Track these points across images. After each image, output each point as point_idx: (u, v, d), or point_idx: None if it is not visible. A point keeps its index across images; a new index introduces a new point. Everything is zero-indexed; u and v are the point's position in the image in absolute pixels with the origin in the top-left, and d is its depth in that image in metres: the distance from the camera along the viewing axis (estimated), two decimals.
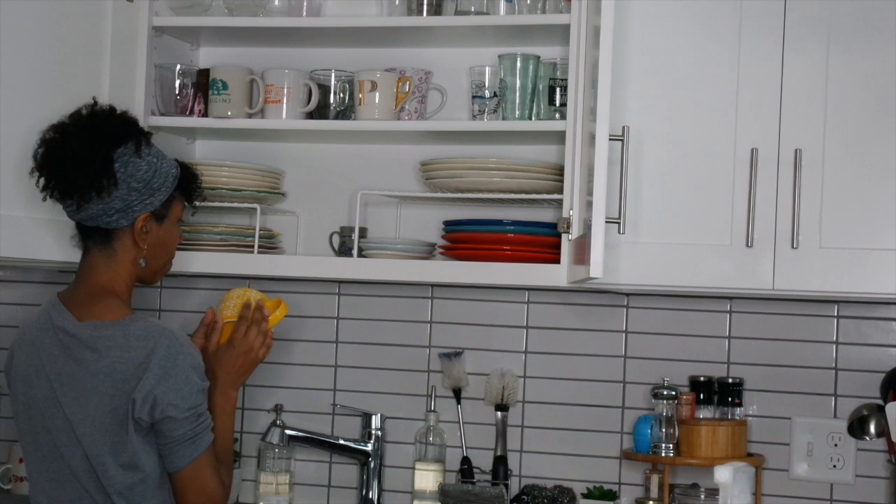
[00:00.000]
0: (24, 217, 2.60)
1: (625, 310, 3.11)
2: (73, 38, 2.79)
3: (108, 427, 2.30)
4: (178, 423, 2.30)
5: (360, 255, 3.03)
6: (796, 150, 2.63)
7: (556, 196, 2.89)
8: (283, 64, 3.13)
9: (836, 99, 2.64)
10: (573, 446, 3.12)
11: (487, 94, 2.99)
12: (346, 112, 3.08)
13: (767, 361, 3.02)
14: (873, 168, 2.63)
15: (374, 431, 3.18)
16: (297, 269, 3.04)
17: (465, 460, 3.14)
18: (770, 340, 3.03)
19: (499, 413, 3.13)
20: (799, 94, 2.66)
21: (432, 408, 3.18)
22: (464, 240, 2.97)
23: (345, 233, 3.12)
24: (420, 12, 2.99)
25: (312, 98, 3.05)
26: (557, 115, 2.93)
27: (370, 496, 3.17)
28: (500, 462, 3.11)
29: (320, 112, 3.08)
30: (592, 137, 2.46)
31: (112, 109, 2.43)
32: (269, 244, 3.14)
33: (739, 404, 2.98)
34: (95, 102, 2.43)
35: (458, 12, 2.99)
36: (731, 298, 3.03)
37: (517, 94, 2.95)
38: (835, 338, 2.99)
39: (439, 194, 3.03)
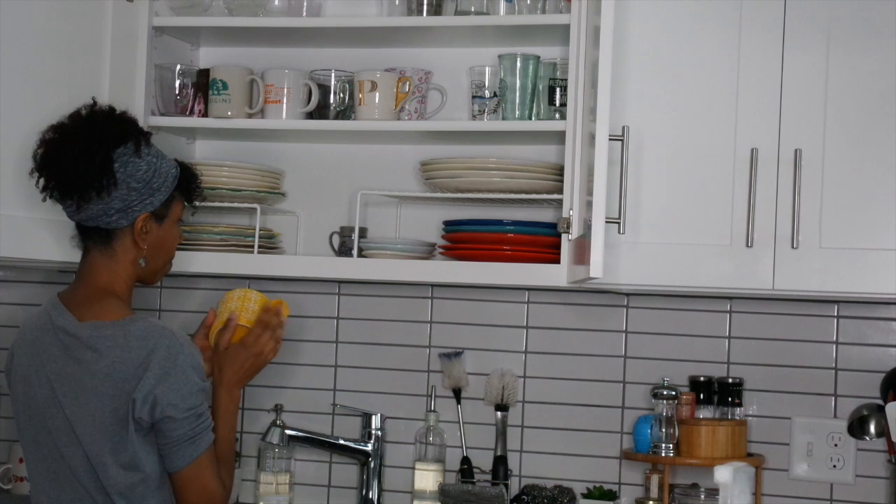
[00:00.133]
0: (24, 217, 2.60)
1: (625, 310, 3.11)
2: (73, 38, 2.79)
3: (109, 427, 2.30)
4: (177, 423, 2.30)
5: (360, 255, 3.03)
6: (796, 150, 2.63)
7: (556, 196, 2.89)
8: (283, 64, 3.13)
9: (836, 99, 2.64)
10: (573, 446, 3.12)
11: (487, 94, 2.99)
12: (346, 112, 3.08)
13: (767, 361, 3.02)
14: (873, 168, 2.63)
15: (374, 431, 3.18)
16: (297, 269, 3.04)
17: (465, 460, 3.14)
18: (770, 340, 3.03)
19: (499, 413, 3.13)
20: (799, 94, 2.66)
21: (432, 408, 3.18)
22: (464, 240, 2.97)
23: (345, 233, 3.12)
24: (420, 12, 2.99)
25: (312, 98, 3.05)
26: (557, 115, 2.93)
27: (370, 496, 3.17)
28: (500, 462, 3.11)
29: (320, 112, 3.08)
30: (592, 137, 2.46)
31: (112, 109, 2.43)
32: (269, 244, 3.14)
33: (739, 404, 2.98)
34: (95, 103, 2.43)
35: (458, 12, 2.99)
36: (731, 298, 3.03)
37: (517, 94, 2.95)
38: (835, 338, 2.99)
39: (439, 194, 3.03)
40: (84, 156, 2.33)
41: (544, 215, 3.06)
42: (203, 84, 3.12)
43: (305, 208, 3.26)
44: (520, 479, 3.14)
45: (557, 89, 2.94)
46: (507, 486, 3.08)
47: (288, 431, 3.14)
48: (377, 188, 3.13)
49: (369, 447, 3.17)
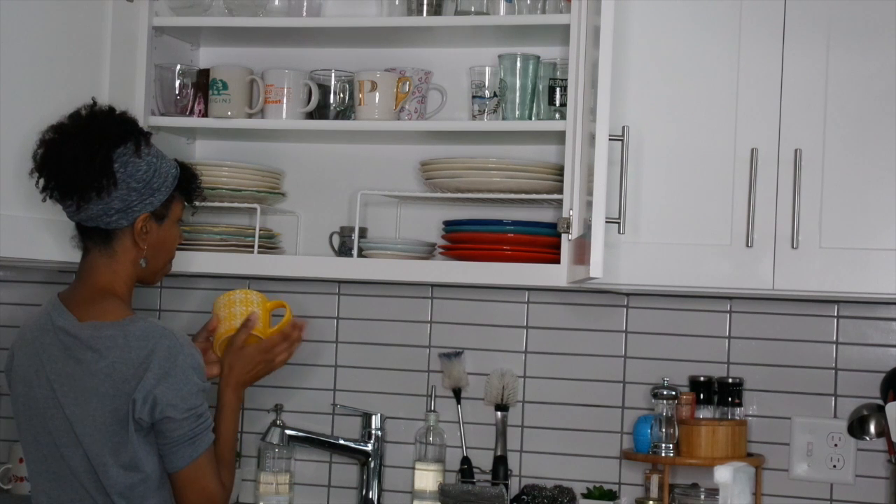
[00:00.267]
0: (24, 217, 2.60)
1: (625, 310, 3.11)
2: (73, 38, 2.79)
3: (109, 427, 2.30)
4: (177, 423, 2.30)
5: (360, 255, 3.03)
6: (796, 150, 2.63)
7: (556, 196, 2.89)
8: (283, 64, 3.13)
9: (836, 99, 2.64)
10: (573, 446, 3.12)
11: (487, 94, 2.99)
12: (346, 112, 3.08)
13: (767, 361, 3.02)
14: (873, 168, 2.63)
15: (374, 431, 3.18)
16: (297, 269, 3.04)
17: (465, 460, 3.14)
18: (770, 340, 3.03)
19: (499, 413, 3.13)
20: (799, 94, 2.66)
21: (432, 408, 3.18)
22: (464, 240, 2.97)
23: (345, 233, 3.12)
24: (420, 12, 2.99)
25: (312, 98, 3.05)
26: (557, 115, 2.93)
27: (370, 496, 3.17)
28: (500, 462, 3.11)
29: (320, 112, 3.08)
30: (592, 137, 2.46)
31: (111, 110, 2.43)
32: (269, 244, 3.14)
33: (739, 404, 2.98)
34: (95, 103, 2.43)
35: (458, 12, 2.99)
36: (731, 298, 3.03)
37: (517, 94, 2.95)
38: (835, 338, 2.99)
39: (439, 194, 3.03)
40: (84, 156, 2.33)
41: (544, 215, 3.06)
42: (203, 84, 3.12)
43: (305, 208, 3.26)
44: (520, 479, 3.14)
45: (557, 89, 2.94)
46: (507, 486, 3.08)
47: (288, 431, 3.14)
48: (377, 188, 3.13)
49: (369, 447, 3.17)
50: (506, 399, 3.12)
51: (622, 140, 2.58)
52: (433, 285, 3.21)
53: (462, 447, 3.15)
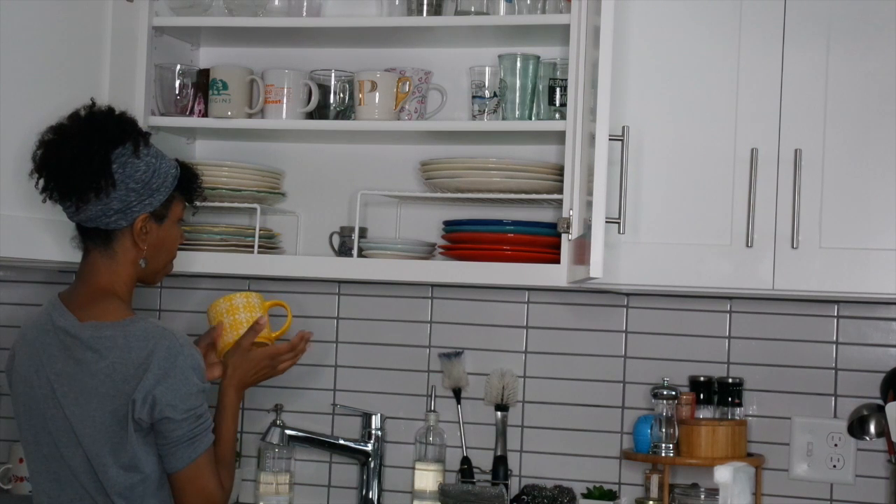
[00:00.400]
0: (24, 217, 2.60)
1: (625, 310, 3.11)
2: (73, 38, 2.79)
3: (109, 428, 2.30)
4: (176, 423, 2.30)
5: (360, 255, 3.03)
6: (796, 150, 2.63)
7: (556, 196, 2.89)
8: (283, 64, 3.13)
9: (836, 99, 2.64)
10: (573, 446, 3.12)
11: (487, 94, 2.99)
12: (346, 112, 3.08)
13: (767, 361, 3.02)
14: (873, 168, 2.63)
15: (374, 431, 3.18)
16: (297, 269, 3.04)
17: (465, 460, 3.14)
18: (770, 340, 3.03)
19: (499, 413, 3.13)
20: (799, 94, 2.66)
21: (432, 408, 3.18)
22: (464, 240, 2.97)
23: (345, 233, 3.12)
24: (420, 12, 2.99)
25: (312, 98, 3.05)
26: (557, 115, 2.93)
27: (370, 496, 3.17)
28: (500, 462, 3.11)
29: (320, 112, 3.08)
30: (592, 137, 2.46)
31: (110, 110, 2.43)
32: (269, 244, 3.14)
33: (739, 404, 2.98)
34: (93, 103, 2.43)
35: (458, 12, 2.99)
36: (731, 298, 3.03)
37: (517, 94, 2.95)
38: (835, 338, 2.99)
39: (439, 194, 3.02)
40: (82, 157, 2.33)
41: (544, 215, 3.06)
42: (203, 84, 3.12)
43: (305, 208, 3.26)
44: (520, 479, 3.14)
45: (557, 89, 2.94)
46: (507, 486, 3.08)
47: (288, 431, 3.14)
48: (377, 188, 3.13)
49: (369, 447, 3.17)
50: (506, 399, 3.12)
51: (622, 140, 2.58)
52: (433, 285, 3.21)
53: (462, 447, 3.15)
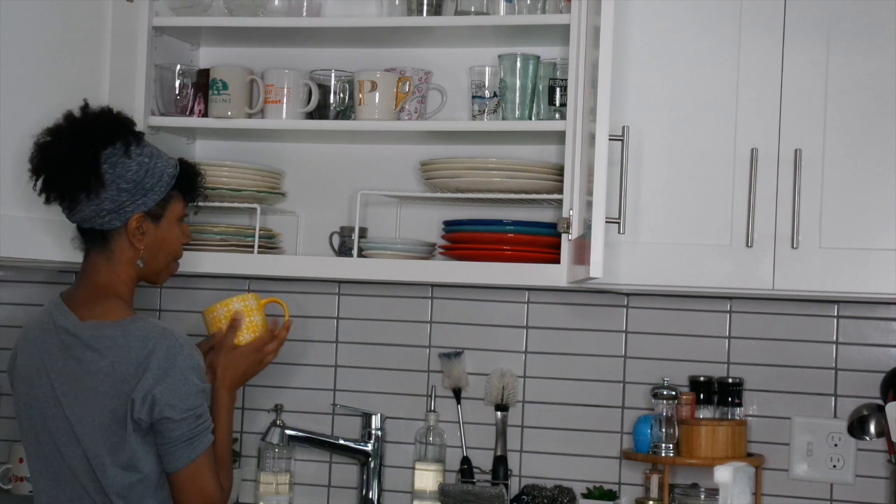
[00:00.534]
0: (24, 217, 2.60)
1: (625, 310, 3.11)
2: (73, 38, 2.79)
3: (108, 427, 2.30)
4: (176, 423, 2.30)
5: (360, 255, 3.03)
6: (796, 150, 2.63)
7: (556, 196, 2.89)
8: (283, 64, 3.13)
9: (836, 99, 2.64)
10: (573, 446, 3.12)
11: (487, 94, 2.99)
12: (346, 112, 3.08)
13: (767, 361, 3.02)
14: (873, 168, 2.63)
15: (374, 431, 3.18)
16: (297, 269, 3.04)
17: (465, 460, 3.14)
18: (770, 340, 3.03)
19: (499, 413, 3.13)
20: (799, 94, 2.66)
21: (432, 408, 3.18)
22: (464, 240, 2.97)
23: (345, 233, 3.12)
24: (420, 12, 2.99)
25: (312, 98, 3.05)
26: (557, 115, 2.93)
27: (370, 496, 3.17)
28: (500, 462, 3.11)
29: (320, 112, 3.08)
30: (592, 137, 2.46)
31: (103, 110, 2.43)
32: (269, 244, 3.14)
33: (739, 404, 2.98)
34: (86, 104, 2.43)
35: (458, 12, 2.99)
36: (731, 298, 3.03)
37: (517, 94, 2.95)
38: (835, 338, 2.99)
39: (439, 194, 3.03)
40: (71, 158, 2.34)
41: (544, 215, 3.06)
42: (203, 84, 3.12)
43: (305, 208, 3.26)
44: (520, 479, 3.14)
45: (557, 89, 2.94)
46: (507, 486, 3.08)
47: (288, 431, 3.14)
48: (377, 188, 3.13)
49: (369, 447, 3.17)
50: (506, 399, 3.12)
51: (622, 140, 2.58)
52: (433, 285, 3.21)
53: (462, 447, 3.15)
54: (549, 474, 3.12)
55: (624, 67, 2.67)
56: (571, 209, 2.75)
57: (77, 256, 2.48)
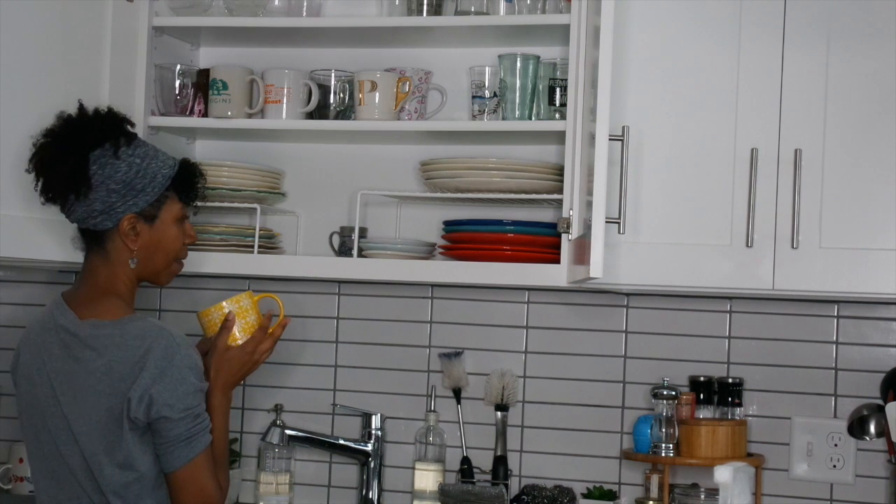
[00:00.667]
0: (24, 217, 2.60)
1: (625, 310, 3.11)
2: (73, 38, 2.79)
3: (105, 426, 2.30)
4: (173, 423, 2.29)
5: (360, 255, 3.03)
6: (796, 150, 2.63)
7: (556, 196, 2.89)
8: (283, 64, 3.13)
9: (836, 99, 2.64)
10: (573, 446, 3.12)
11: (487, 94, 2.99)
12: (346, 112, 3.08)
13: (767, 361, 3.02)
14: (873, 168, 2.63)
15: (374, 431, 3.18)
16: (297, 269, 3.04)
17: (465, 460, 3.14)
18: (770, 340, 3.03)
19: (499, 413, 3.13)
20: (799, 94, 2.66)
21: (432, 408, 3.18)
22: (464, 240, 2.97)
23: (345, 233, 3.12)
24: (420, 12, 2.99)
25: (312, 98, 3.05)
26: (557, 115, 2.93)
27: (370, 496, 3.17)
28: (500, 462, 3.11)
29: (320, 112, 3.08)
30: (592, 137, 2.46)
31: (97, 111, 2.43)
32: (269, 244, 3.14)
33: (739, 404, 2.98)
34: (81, 105, 2.43)
35: (458, 12, 2.99)
36: (731, 298, 3.03)
37: (517, 94, 2.95)
38: (835, 338, 2.99)
39: (439, 194, 3.03)
40: (60, 159, 2.35)
41: (544, 215, 3.06)
42: (203, 84, 3.12)
43: (305, 208, 3.26)
44: (520, 479, 3.14)
45: (557, 89, 2.94)
46: (507, 486, 3.08)
47: (288, 431, 3.14)
48: (377, 188, 3.13)
49: (369, 447, 3.17)
50: (506, 399, 3.11)
51: (622, 140, 2.58)
52: (433, 285, 3.21)
53: (462, 447, 3.15)
54: (549, 474, 3.12)
55: (624, 67, 2.67)
56: (571, 209, 2.75)
57: (77, 256, 2.48)
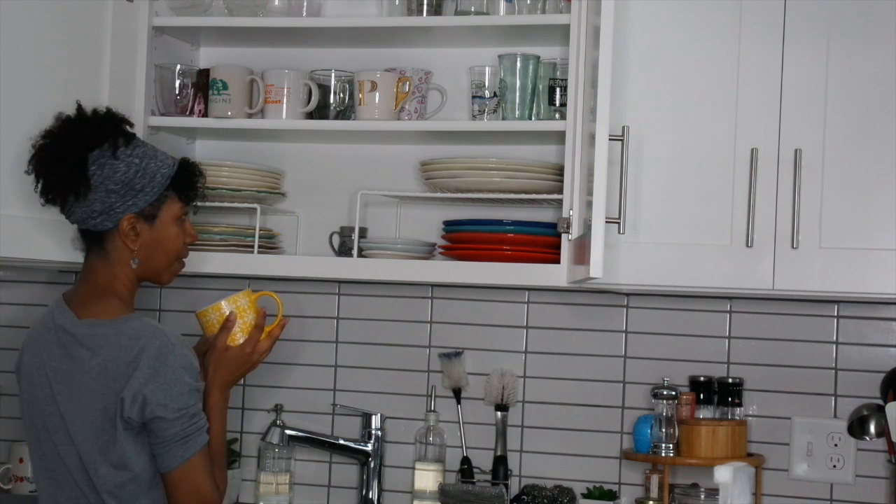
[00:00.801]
0: (24, 217, 2.60)
1: (625, 310, 3.11)
2: (73, 38, 2.79)
3: (100, 425, 2.30)
4: (168, 423, 2.29)
5: (360, 255, 3.03)
6: (796, 150, 2.63)
7: (556, 196, 2.89)
8: (283, 64, 3.13)
9: (836, 99, 2.64)
10: (573, 446, 3.12)
11: (487, 94, 2.99)
12: (346, 112, 3.08)
13: (767, 361, 3.02)
14: (873, 168, 2.63)
15: (374, 431, 3.18)
16: (297, 269, 3.04)
17: (465, 460, 3.14)
18: (770, 340, 3.03)
19: (499, 413, 3.13)
20: (799, 94, 2.66)
21: (432, 408, 3.18)
22: (464, 240, 2.97)
23: (345, 233, 3.12)
24: (420, 12, 2.99)
25: (312, 98, 3.05)
26: (557, 115, 2.93)
27: (370, 496, 3.17)
28: (500, 462, 3.11)
29: (320, 112, 3.08)
30: (592, 137, 2.46)
31: (95, 112, 2.43)
32: (269, 244, 3.14)
33: (739, 404, 2.98)
34: (79, 106, 2.43)
35: (458, 12, 2.99)
36: (731, 298, 3.03)
37: (517, 94, 2.95)
38: (835, 338, 2.99)
39: (439, 194, 3.03)
40: (59, 160, 2.35)
41: (544, 215, 3.06)
42: (203, 84, 3.12)
43: (305, 208, 3.26)
44: (520, 479, 3.14)
45: (557, 89, 2.94)
46: (507, 486, 3.08)
47: (288, 431, 3.14)
48: (377, 188, 3.13)
49: (369, 447, 3.17)
50: (506, 399, 3.12)
51: (622, 140, 2.58)
52: (433, 285, 3.21)
53: (462, 447, 3.15)
54: (549, 474, 3.12)
55: (624, 67, 2.67)
56: (571, 209, 2.75)
57: (77, 256, 2.48)
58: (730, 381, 2.99)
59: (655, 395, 2.96)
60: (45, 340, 2.38)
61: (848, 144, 2.64)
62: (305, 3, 3.06)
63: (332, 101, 3.07)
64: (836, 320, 2.99)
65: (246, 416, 3.30)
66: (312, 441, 3.18)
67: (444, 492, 3.05)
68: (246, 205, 3.09)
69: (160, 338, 2.31)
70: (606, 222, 2.40)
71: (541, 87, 2.98)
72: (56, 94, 2.66)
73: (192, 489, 2.33)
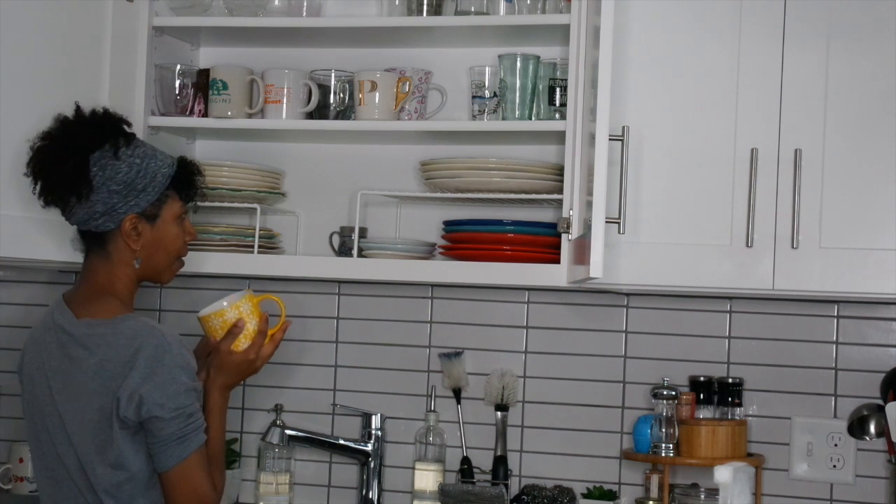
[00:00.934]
0: (24, 217, 2.60)
1: (625, 310, 3.11)
2: (73, 38, 2.79)
3: (97, 425, 2.30)
4: (165, 422, 2.28)
5: (360, 255, 3.03)
6: (796, 150, 2.63)
7: (556, 196, 2.89)
8: (283, 64, 3.13)
9: (836, 99, 2.64)
10: (573, 446, 3.12)
11: (487, 94, 2.99)
12: (346, 112, 3.08)
13: (767, 361, 3.02)
14: (873, 168, 2.63)
15: (374, 431, 3.18)
16: (297, 269, 3.04)
17: (465, 460, 3.14)
18: (770, 340, 3.03)
19: (499, 413, 3.13)
20: (799, 94, 2.66)
21: (432, 408, 3.18)
22: (464, 240, 2.97)
23: (345, 233, 3.12)
24: (420, 12, 2.99)
25: (312, 98, 3.05)
26: (557, 115, 2.93)
27: (370, 496, 3.17)
28: (500, 462, 3.11)
29: (320, 112, 3.08)
30: (592, 137, 2.46)
31: (94, 112, 2.43)
32: (269, 244, 3.14)
33: (739, 404, 2.98)
34: (78, 107, 2.43)
35: (458, 12, 2.99)
36: (731, 298, 3.03)
37: (517, 94, 2.95)
38: (835, 338, 2.99)
39: (439, 194, 3.03)
40: (60, 162, 2.34)
41: (544, 215, 3.06)
42: (203, 84, 3.12)
43: (305, 208, 3.26)
44: (520, 479, 3.14)
45: (557, 89, 2.94)
46: (507, 486, 3.08)
47: (288, 431, 3.14)
48: (377, 188, 3.13)
49: (369, 447, 3.17)
50: (506, 399, 3.12)
51: (622, 140, 2.58)
52: (433, 285, 3.21)
53: (462, 447, 3.15)
54: (549, 474, 3.12)
55: (624, 67, 2.67)
56: (571, 209, 2.75)
57: (77, 257, 2.48)
58: (730, 381, 2.99)
59: (655, 395, 2.96)
60: (45, 340, 2.39)
61: (848, 144, 2.64)
62: (305, 3, 3.07)
63: (332, 101, 3.07)
64: (836, 320, 2.99)
65: (246, 416, 3.30)
66: (312, 441, 3.18)
67: (444, 492, 3.05)
68: (246, 205, 3.09)
69: (157, 337, 2.31)
70: (606, 222, 2.40)
71: (541, 87, 2.98)
72: (56, 94, 2.66)
73: (189, 489, 2.33)
